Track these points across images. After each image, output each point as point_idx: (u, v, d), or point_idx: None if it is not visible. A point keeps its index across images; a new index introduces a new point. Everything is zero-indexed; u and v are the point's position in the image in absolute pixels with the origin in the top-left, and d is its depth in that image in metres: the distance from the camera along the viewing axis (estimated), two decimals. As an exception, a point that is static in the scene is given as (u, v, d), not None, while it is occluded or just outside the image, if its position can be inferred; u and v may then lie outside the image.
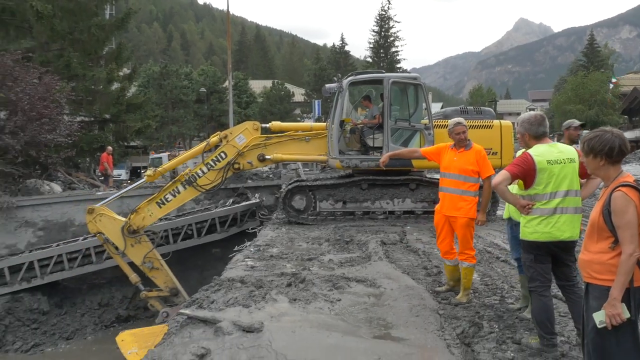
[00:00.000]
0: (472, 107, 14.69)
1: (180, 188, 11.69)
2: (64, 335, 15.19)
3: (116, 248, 11.80)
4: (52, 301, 15.73)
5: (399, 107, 12.74)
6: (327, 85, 13.01)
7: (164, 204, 11.66)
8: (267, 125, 12.90)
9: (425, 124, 12.22)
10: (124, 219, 11.74)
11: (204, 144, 12.54)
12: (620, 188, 3.16)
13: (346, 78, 12.68)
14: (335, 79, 12.78)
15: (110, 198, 12.31)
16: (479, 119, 12.41)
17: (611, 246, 3.19)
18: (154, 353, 5.23)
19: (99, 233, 11.70)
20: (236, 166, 12.10)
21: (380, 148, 12.24)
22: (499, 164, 12.19)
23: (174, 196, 11.67)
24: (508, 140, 12.36)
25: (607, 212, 3.18)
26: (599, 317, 3.16)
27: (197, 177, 11.76)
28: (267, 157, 12.37)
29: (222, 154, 11.97)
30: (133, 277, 12.03)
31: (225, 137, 12.19)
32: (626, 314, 3.09)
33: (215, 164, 11.87)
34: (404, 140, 12.41)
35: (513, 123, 12.63)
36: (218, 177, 11.90)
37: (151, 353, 5.35)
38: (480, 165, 6.14)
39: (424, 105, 12.49)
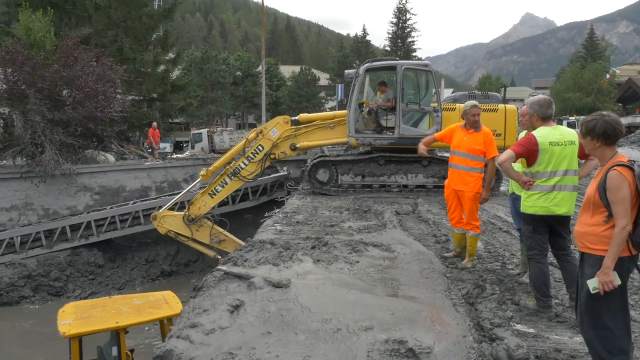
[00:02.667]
0: (479, 92, 14.46)
1: (227, 180, 12.30)
2: (116, 285, 15.56)
3: (186, 237, 12.52)
4: (106, 256, 16.10)
5: (411, 92, 12.64)
6: (346, 71, 13.24)
7: (215, 194, 12.34)
8: (296, 117, 13.00)
9: (434, 107, 12.08)
10: (181, 212, 12.36)
11: (243, 141, 12.77)
12: (615, 167, 3.12)
13: (363, 65, 12.60)
14: (354, 65, 12.82)
15: (168, 204, 13.31)
16: (486, 103, 12.20)
17: (605, 220, 3.17)
18: (195, 303, 5.31)
19: (169, 231, 12.41)
20: (272, 156, 12.44)
21: (393, 128, 12.27)
22: (503, 145, 12.02)
23: (223, 187, 12.32)
24: (512, 123, 12.15)
25: (602, 189, 3.15)
26: (593, 284, 3.15)
27: (240, 169, 12.27)
28: (297, 145, 12.52)
29: (260, 147, 12.31)
30: (210, 253, 12.72)
31: (261, 132, 12.50)
32: (617, 281, 3.08)
33: (255, 157, 12.27)
34: (414, 122, 12.36)
35: (517, 108, 12.47)
36: (258, 167, 12.35)
37: (192, 303, 5.44)
38: (487, 146, 6.08)
39: (433, 90, 12.33)
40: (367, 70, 12.55)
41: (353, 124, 12.25)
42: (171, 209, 13.36)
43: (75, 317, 6.56)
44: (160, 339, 7.15)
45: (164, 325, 7.02)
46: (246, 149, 12.48)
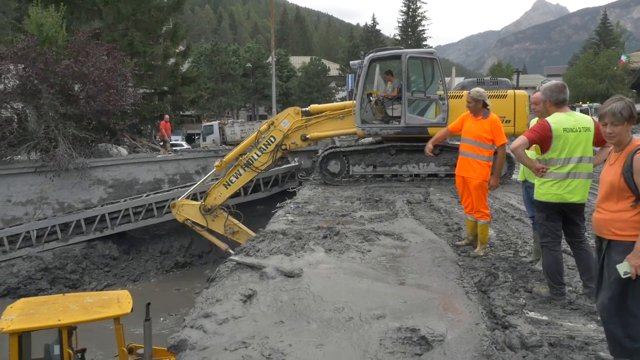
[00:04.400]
0: (488, 78, 14.29)
1: (241, 171, 12.48)
2: (131, 277, 15.71)
3: (201, 227, 12.77)
4: (120, 248, 16.25)
5: (417, 80, 12.56)
6: (351, 62, 13.34)
7: (229, 185, 12.55)
8: (307, 108, 13.04)
9: (440, 95, 11.97)
10: (199, 202, 12.60)
11: (255, 133, 12.92)
12: None
13: (368, 55, 12.53)
14: (360, 55, 12.77)
15: (186, 193, 13.61)
16: (495, 89, 12.03)
17: (633, 204, 3.11)
18: (208, 293, 5.35)
19: (186, 219, 12.65)
20: (283, 147, 12.57)
21: (399, 117, 12.21)
22: (512, 132, 11.90)
23: (237, 178, 12.53)
24: (521, 109, 11.92)
25: (629, 173, 3.10)
26: (624, 269, 3.06)
27: (253, 160, 12.45)
28: (308, 136, 12.59)
29: (272, 138, 12.44)
30: (222, 245, 12.98)
31: (272, 123, 12.65)
32: None
33: (267, 148, 12.42)
34: (421, 110, 12.30)
35: (529, 96, 12.31)
36: (270, 158, 12.51)
37: (205, 293, 5.48)
38: (494, 134, 6.04)
39: (439, 78, 12.21)
40: (372, 60, 12.47)
41: (359, 115, 12.21)
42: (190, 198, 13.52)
43: (21, 313, 6.38)
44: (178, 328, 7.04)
45: (119, 325, 6.71)
46: (258, 141, 12.57)
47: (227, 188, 12.55)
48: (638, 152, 3.09)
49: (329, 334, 4.03)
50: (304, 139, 12.56)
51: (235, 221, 12.77)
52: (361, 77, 12.24)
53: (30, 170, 15.94)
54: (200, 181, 14.33)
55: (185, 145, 34.72)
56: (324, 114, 12.81)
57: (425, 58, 12.41)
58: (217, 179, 13.34)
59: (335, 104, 14.07)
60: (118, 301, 6.86)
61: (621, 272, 3.09)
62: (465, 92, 11.85)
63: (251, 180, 16.50)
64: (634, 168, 3.07)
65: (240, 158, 12.81)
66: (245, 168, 12.46)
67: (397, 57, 12.33)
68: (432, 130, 11.96)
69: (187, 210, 12.62)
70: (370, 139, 13.77)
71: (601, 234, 3.34)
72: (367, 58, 12.32)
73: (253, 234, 12.37)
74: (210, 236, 12.99)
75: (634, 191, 3.10)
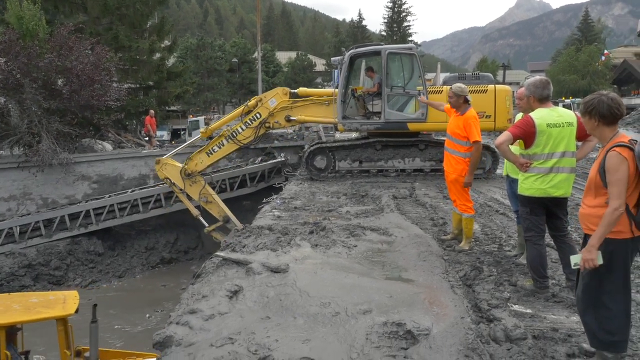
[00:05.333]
0: (470, 73, 14.32)
1: (224, 142, 12.57)
2: (116, 273, 15.56)
3: (179, 189, 12.91)
4: (105, 244, 16.09)
5: (396, 76, 12.60)
6: (332, 58, 13.54)
7: (211, 153, 12.62)
8: (296, 90, 12.98)
9: (419, 90, 12.01)
10: (181, 165, 12.71)
11: (242, 106, 13.01)
12: (615, 148, 3.08)
13: (348, 51, 12.54)
14: (342, 51, 12.87)
15: (172, 152, 13.84)
16: (475, 84, 12.05)
17: (607, 201, 3.12)
18: (194, 289, 5.32)
19: (166, 178, 12.80)
20: (267, 125, 12.59)
21: (379, 113, 12.30)
22: (492, 127, 11.96)
23: (220, 148, 12.61)
24: (502, 104, 11.92)
25: (602, 170, 3.12)
26: (575, 260, 3.17)
27: (237, 133, 12.52)
28: (292, 118, 12.62)
29: (257, 114, 12.51)
30: (194, 211, 13.07)
31: (260, 100, 12.69)
32: (599, 261, 3.06)
33: (252, 123, 12.49)
34: (400, 105, 12.35)
35: (512, 91, 12.34)
36: (253, 134, 12.56)
37: (191, 289, 5.45)
38: (467, 130, 6.09)
39: (418, 73, 12.23)
40: (352, 56, 12.49)
41: (340, 110, 12.26)
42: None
43: None
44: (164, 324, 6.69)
45: (66, 326, 6.30)
46: (245, 114, 12.71)
47: (208, 156, 12.64)
48: (613, 149, 3.09)
49: (315, 329, 4.03)
50: (288, 119, 12.63)
51: (212, 191, 12.91)
52: (342, 73, 12.30)
53: (13, 165, 15.69)
54: (186, 143, 14.92)
55: (165, 137, 34.51)
56: (310, 98, 12.83)
57: (405, 54, 12.46)
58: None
59: (323, 90, 14.09)
60: (64, 302, 6.47)
61: (572, 262, 3.20)
62: (445, 88, 11.90)
63: (237, 176, 16.53)
64: (605, 166, 3.09)
65: (225, 129, 12.92)
66: (229, 139, 12.55)
67: (377, 53, 12.39)
68: (411, 126, 12.08)
69: (169, 170, 12.71)
70: (355, 134, 13.83)
71: (582, 228, 3.39)
72: (347, 54, 12.37)
73: (226, 210, 12.67)
74: (185, 199, 13.11)
75: (607, 188, 3.12)
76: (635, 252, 3.24)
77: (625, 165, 3.02)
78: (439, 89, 12.14)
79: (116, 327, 11.69)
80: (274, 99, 12.54)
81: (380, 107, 12.27)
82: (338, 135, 17.11)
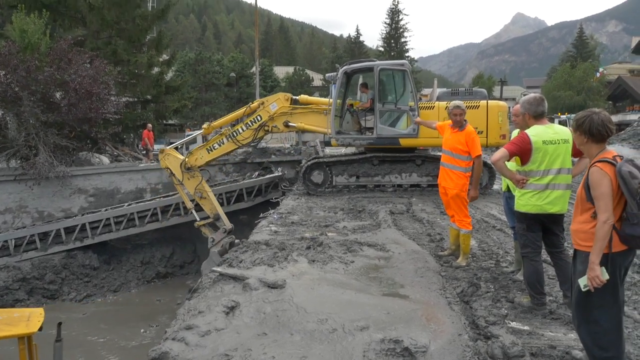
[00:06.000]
0: (463, 89, 14.39)
1: (224, 140, 12.71)
2: (112, 288, 15.45)
3: (178, 180, 12.97)
4: (101, 258, 15.99)
5: (389, 92, 12.74)
6: (327, 74, 13.61)
7: (211, 150, 12.77)
8: (297, 97, 13.11)
9: (411, 106, 12.08)
10: (183, 157, 12.84)
11: (245, 107, 13.16)
12: (597, 164, 3.18)
13: (342, 67, 12.66)
14: (336, 67, 13.02)
15: (176, 143, 14.16)
16: (469, 99, 12.08)
17: (593, 216, 3.20)
18: (190, 305, 5.29)
19: (167, 167, 12.88)
20: (266, 128, 12.71)
21: (372, 128, 12.42)
22: (485, 143, 11.97)
23: (220, 145, 12.75)
24: (494, 120, 11.91)
25: (587, 186, 3.21)
26: (583, 282, 3.19)
27: (237, 133, 12.65)
28: (291, 124, 12.74)
29: (258, 117, 12.64)
30: (188, 204, 13.11)
31: (262, 103, 12.88)
32: (605, 276, 3.09)
33: (252, 125, 12.62)
34: (392, 121, 12.44)
35: (509, 107, 12.41)
36: (252, 135, 12.70)
37: (187, 304, 5.41)
38: (469, 145, 6.15)
39: (410, 89, 12.30)
40: (346, 72, 12.62)
41: (333, 125, 12.35)
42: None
43: None
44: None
45: (30, 344, 6.23)
46: (247, 116, 12.90)
47: (209, 153, 12.78)
48: (594, 165, 3.19)
49: (312, 345, 4.01)
50: (286, 125, 12.76)
51: (208, 189, 12.96)
52: (336, 89, 12.45)
53: (10, 178, 15.64)
54: (191, 136, 15.96)
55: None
56: (310, 106, 12.94)
57: (397, 70, 12.58)
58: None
59: (324, 99, 14.17)
60: (28, 319, 6.38)
61: (581, 285, 3.20)
62: (437, 103, 11.98)
63: (234, 190, 16.52)
64: (589, 182, 3.18)
65: (225, 129, 13.05)
66: (229, 139, 12.69)
67: (370, 69, 12.50)
68: (403, 141, 12.16)
69: (170, 160, 12.78)
70: (343, 149, 13.97)
71: (573, 244, 3.44)
72: (341, 70, 12.51)
73: (218, 208, 12.73)
74: (181, 191, 13.15)
75: (592, 203, 3.19)
76: (623, 268, 3.26)
77: (607, 179, 3.10)
78: (430, 105, 12.19)
79: (110, 342, 11.58)
80: (275, 103, 12.72)
81: (373, 122, 12.37)
82: (328, 151, 17.24)
